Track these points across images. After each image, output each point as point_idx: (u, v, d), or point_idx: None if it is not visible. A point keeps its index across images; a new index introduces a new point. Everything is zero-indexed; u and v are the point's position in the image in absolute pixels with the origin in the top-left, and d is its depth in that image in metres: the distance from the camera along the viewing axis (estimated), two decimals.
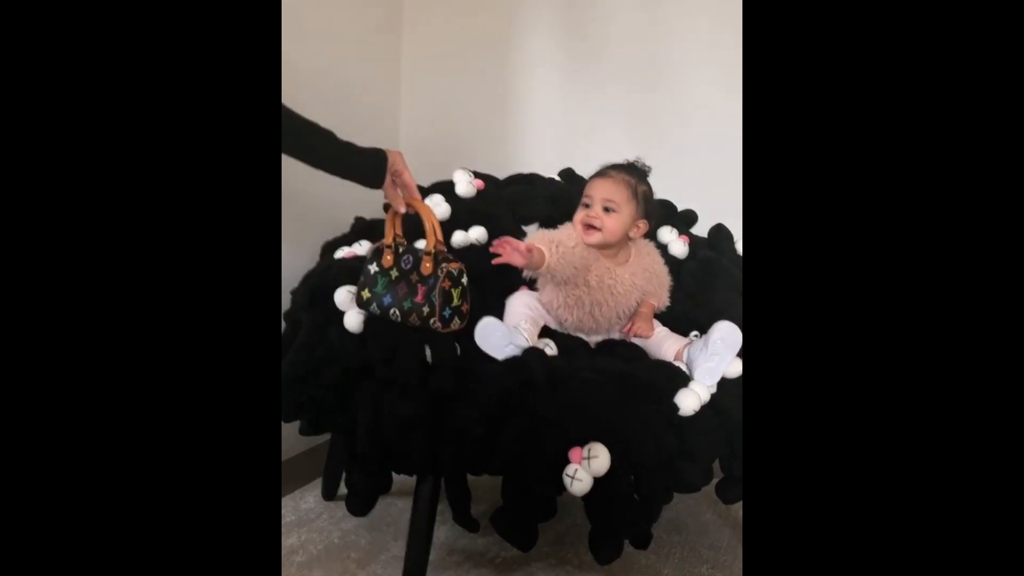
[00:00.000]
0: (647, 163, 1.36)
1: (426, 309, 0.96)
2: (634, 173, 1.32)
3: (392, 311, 0.95)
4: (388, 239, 0.99)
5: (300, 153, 1.02)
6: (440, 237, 0.99)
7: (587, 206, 1.29)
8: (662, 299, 1.36)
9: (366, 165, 1.04)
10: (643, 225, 1.32)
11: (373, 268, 0.96)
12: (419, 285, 0.96)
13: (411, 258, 0.97)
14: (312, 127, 0.96)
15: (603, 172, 1.32)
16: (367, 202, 1.63)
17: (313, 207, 1.62)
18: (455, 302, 0.98)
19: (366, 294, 0.95)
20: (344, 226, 1.52)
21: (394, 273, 0.96)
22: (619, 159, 1.36)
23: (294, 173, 1.11)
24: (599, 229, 1.26)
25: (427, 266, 0.97)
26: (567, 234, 1.27)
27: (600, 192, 1.28)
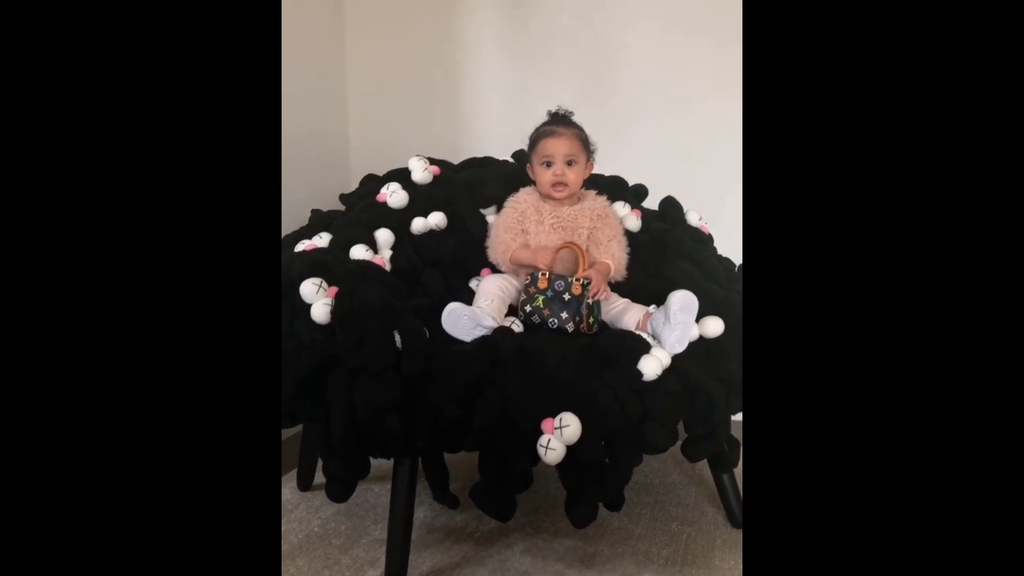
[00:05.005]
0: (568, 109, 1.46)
1: (578, 318, 1.27)
2: (573, 123, 1.44)
3: (551, 320, 1.27)
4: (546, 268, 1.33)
5: None
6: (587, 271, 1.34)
7: (549, 164, 1.39)
8: (617, 258, 1.40)
9: None
10: (591, 164, 1.46)
11: (531, 289, 1.29)
12: (570, 302, 1.28)
13: (562, 283, 1.28)
14: None
15: (552, 131, 1.40)
16: (323, 197, 1.64)
17: None
18: (596, 313, 1.31)
19: (528, 308, 1.29)
20: (302, 219, 1.52)
21: (549, 293, 1.28)
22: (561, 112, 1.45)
23: None
24: (566, 184, 1.39)
25: (577, 288, 1.28)
26: (509, 235, 1.40)
27: (561, 150, 1.39)
